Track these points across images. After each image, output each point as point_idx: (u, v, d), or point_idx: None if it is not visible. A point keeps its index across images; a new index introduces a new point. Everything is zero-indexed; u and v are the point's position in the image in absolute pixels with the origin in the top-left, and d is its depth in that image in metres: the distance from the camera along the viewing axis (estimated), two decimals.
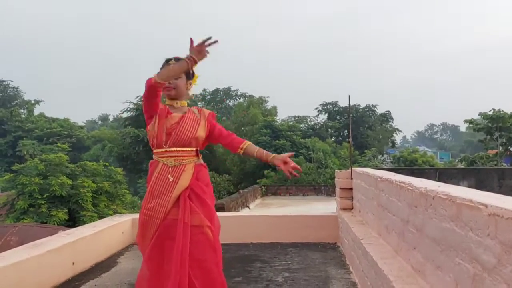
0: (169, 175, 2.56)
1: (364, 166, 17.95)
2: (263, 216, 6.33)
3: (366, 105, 43.29)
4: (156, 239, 2.51)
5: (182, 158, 2.61)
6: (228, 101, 48.91)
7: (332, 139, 38.76)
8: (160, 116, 2.63)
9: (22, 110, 47.81)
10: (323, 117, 43.98)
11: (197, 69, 2.79)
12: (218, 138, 2.80)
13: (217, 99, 48.58)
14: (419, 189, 2.49)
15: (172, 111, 2.68)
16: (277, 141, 27.12)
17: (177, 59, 2.65)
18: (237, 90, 49.00)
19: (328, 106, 44.20)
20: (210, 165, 2.88)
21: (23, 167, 13.39)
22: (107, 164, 15.50)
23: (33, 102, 49.85)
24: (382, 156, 37.28)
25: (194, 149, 2.67)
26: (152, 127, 2.63)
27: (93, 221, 9.25)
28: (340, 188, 5.67)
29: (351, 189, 5.53)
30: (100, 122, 70.71)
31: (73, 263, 4.14)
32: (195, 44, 2.43)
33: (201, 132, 2.68)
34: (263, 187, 21.14)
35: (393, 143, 45.59)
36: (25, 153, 36.51)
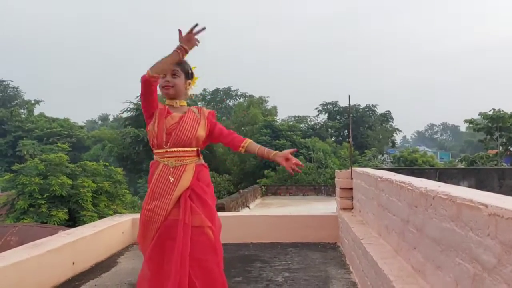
0: (169, 176, 2.55)
1: (364, 166, 17.94)
2: (263, 216, 6.33)
3: (366, 105, 43.35)
4: (157, 239, 2.51)
5: (183, 159, 2.60)
6: (228, 101, 48.92)
7: (332, 139, 38.76)
8: (160, 116, 2.62)
9: (22, 110, 47.83)
10: (323, 117, 44.05)
11: (197, 69, 2.80)
12: (219, 137, 2.79)
13: (217, 99, 48.59)
14: (419, 189, 2.49)
15: (172, 111, 2.67)
16: (277, 141, 27.12)
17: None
18: (237, 90, 49.08)
19: (328, 106, 44.20)
20: (210, 165, 2.86)
21: (23, 167, 13.40)
22: (107, 164, 15.51)
23: (33, 102, 49.87)
24: (382, 156, 37.27)
25: (195, 149, 2.66)
26: (152, 127, 2.62)
27: (93, 221, 9.24)
28: (340, 188, 5.67)
29: (351, 189, 5.53)
30: (100, 122, 70.74)
31: (73, 263, 4.14)
32: (183, 34, 2.48)
33: (201, 132, 2.67)
34: (263, 187, 21.14)
35: (393, 143, 45.60)
36: (25, 153, 36.53)
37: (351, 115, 35.19)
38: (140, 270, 2.60)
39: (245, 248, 5.27)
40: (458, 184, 5.63)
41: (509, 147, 25.86)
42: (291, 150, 2.72)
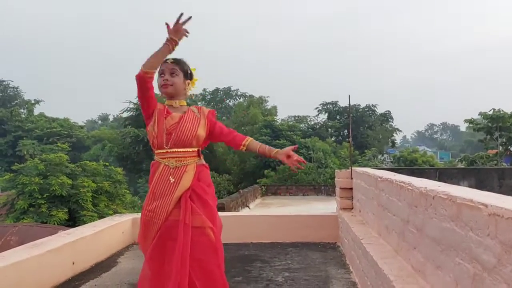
0: (170, 176, 2.55)
1: (364, 166, 17.95)
2: (263, 216, 6.33)
3: (366, 105, 43.34)
4: (157, 240, 2.51)
5: (184, 159, 2.59)
6: (228, 101, 48.95)
7: (332, 139, 38.75)
8: (159, 117, 2.62)
9: (22, 110, 47.82)
10: (323, 117, 44.03)
11: (198, 69, 2.80)
12: (219, 136, 2.78)
13: (217, 99, 48.62)
14: (419, 189, 2.49)
15: (171, 111, 2.66)
16: (277, 141, 27.11)
17: (175, 60, 2.65)
18: (237, 90, 49.12)
19: (328, 106, 44.19)
20: (210, 164, 2.86)
21: (23, 167, 13.40)
22: (107, 164, 15.51)
23: (33, 102, 49.86)
24: (382, 156, 37.25)
25: (196, 149, 2.65)
26: (152, 128, 2.62)
27: (93, 221, 9.24)
28: (340, 188, 5.67)
29: (351, 189, 5.53)
30: (100, 122, 70.72)
31: (73, 263, 4.14)
32: (171, 27, 2.49)
33: (202, 131, 2.67)
34: (263, 187, 21.13)
35: (393, 143, 45.58)
36: (25, 153, 36.54)
37: (351, 115, 35.19)
38: (141, 270, 2.60)
39: (245, 248, 5.27)
40: (458, 184, 5.63)
41: (509, 147, 25.86)
42: (292, 147, 2.73)
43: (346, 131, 41.24)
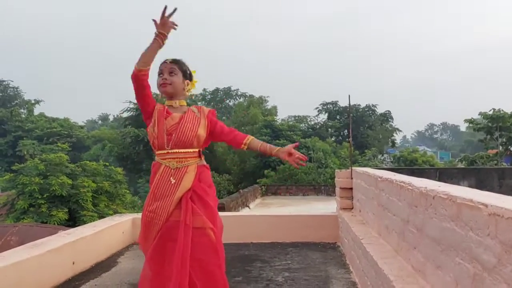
0: (171, 177, 2.55)
1: (364, 166, 17.95)
2: (263, 216, 6.33)
3: (366, 105, 43.33)
4: (158, 240, 2.51)
5: (185, 160, 2.59)
6: (228, 100, 48.97)
7: (332, 139, 38.76)
8: (159, 117, 2.61)
9: (22, 110, 47.82)
10: (323, 116, 44.03)
11: (197, 71, 2.80)
12: (220, 135, 2.77)
13: (217, 99, 48.63)
14: (419, 189, 2.49)
15: (171, 111, 2.66)
16: (277, 141, 27.10)
17: (174, 60, 2.66)
18: (237, 90, 49.14)
19: (328, 106, 44.19)
20: (210, 165, 2.86)
21: (23, 167, 13.40)
22: (107, 164, 15.51)
23: (33, 102, 49.86)
24: (382, 155, 37.23)
25: (196, 150, 2.65)
26: (152, 129, 2.61)
27: (93, 221, 9.24)
28: (340, 188, 5.67)
29: (351, 188, 5.53)
30: (100, 122, 70.71)
31: (73, 263, 4.14)
32: (158, 22, 2.50)
33: (202, 131, 2.66)
34: (263, 186, 21.12)
35: (393, 143, 45.56)
36: (25, 153, 36.54)
37: (351, 115, 35.19)
38: (141, 271, 2.60)
39: (245, 248, 5.27)
40: (458, 184, 5.63)
41: (509, 146, 25.85)
42: (294, 144, 2.73)
43: (346, 131, 41.23)
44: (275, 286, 3.80)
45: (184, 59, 2.73)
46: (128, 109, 28.37)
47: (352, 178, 5.51)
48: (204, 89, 47.48)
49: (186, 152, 2.60)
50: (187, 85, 2.72)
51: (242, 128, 30.89)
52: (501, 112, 24.67)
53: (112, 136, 33.55)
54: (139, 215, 2.62)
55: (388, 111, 44.50)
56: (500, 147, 25.62)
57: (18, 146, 39.23)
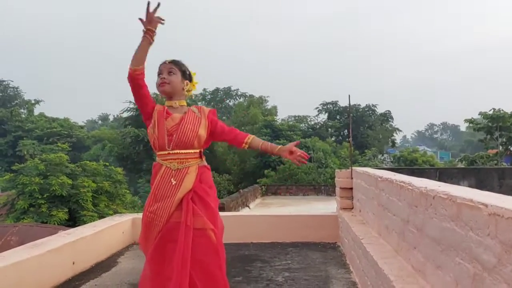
0: (172, 178, 2.54)
1: (364, 166, 17.95)
2: (263, 215, 6.33)
3: (366, 104, 43.36)
4: (158, 241, 2.50)
5: (186, 161, 2.58)
6: (228, 100, 48.98)
7: (332, 139, 38.77)
8: (159, 118, 2.61)
9: (22, 110, 47.82)
10: (323, 116, 44.06)
11: (197, 71, 2.80)
12: (221, 134, 2.77)
13: (217, 99, 48.65)
14: (419, 189, 2.49)
15: (171, 111, 2.65)
16: (277, 141, 27.08)
17: (173, 60, 2.66)
18: (237, 89, 49.16)
19: (328, 106, 44.21)
20: (210, 165, 2.85)
21: (23, 167, 13.39)
22: (107, 164, 15.50)
23: (33, 102, 49.88)
24: (382, 155, 37.23)
25: (197, 150, 2.64)
26: (152, 130, 2.60)
27: (93, 221, 9.24)
28: (340, 188, 5.67)
29: (351, 188, 5.53)
30: (100, 122, 70.70)
31: (73, 263, 4.15)
32: (144, 20, 2.52)
33: (203, 131, 2.65)
34: (263, 186, 21.12)
35: (393, 143, 45.57)
36: (25, 153, 36.54)
37: (351, 114, 35.19)
38: (142, 271, 2.60)
39: (245, 248, 5.27)
40: (458, 184, 5.63)
41: (509, 146, 25.86)
42: (295, 142, 2.73)
43: (346, 131, 41.23)
44: (275, 286, 3.80)
45: (184, 60, 2.74)
46: (128, 109, 28.41)
47: (352, 178, 5.51)
48: (204, 89, 47.55)
49: (187, 153, 2.59)
50: (186, 85, 2.72)
51: (242, 128, 30.88)
52: (501, 112, 24.68)
53: (112, 136, 33.57)
54: (139, 215, 2.62)
55: (388, 111, 44.56)
56: (500, 147, 25.62)
57: (18, 146, 39.23)
